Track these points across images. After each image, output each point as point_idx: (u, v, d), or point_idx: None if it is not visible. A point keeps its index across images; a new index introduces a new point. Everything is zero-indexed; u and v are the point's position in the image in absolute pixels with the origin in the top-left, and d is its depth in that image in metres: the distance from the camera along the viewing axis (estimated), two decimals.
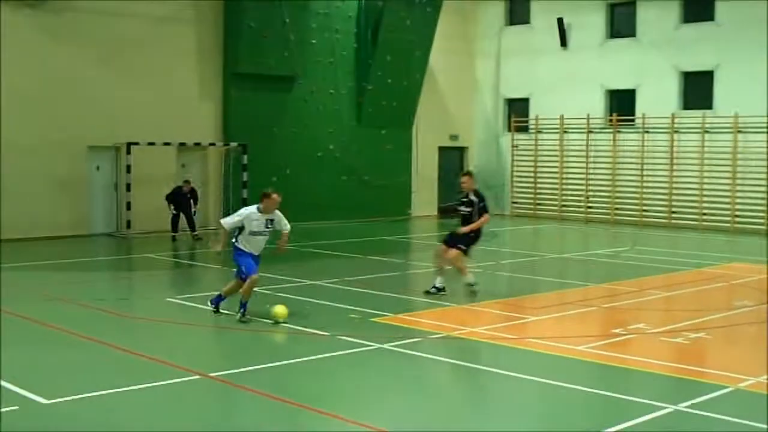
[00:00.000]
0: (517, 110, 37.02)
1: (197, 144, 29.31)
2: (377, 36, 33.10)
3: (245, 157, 29.32)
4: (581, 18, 34.85)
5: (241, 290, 14.56)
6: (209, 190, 29.94)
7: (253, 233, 14.51)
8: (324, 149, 32.46)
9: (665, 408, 9.92)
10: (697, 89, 32.38)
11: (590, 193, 34.70)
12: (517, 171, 36.99)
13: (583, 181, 35.02)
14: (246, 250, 14.57)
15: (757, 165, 30.76)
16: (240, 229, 14.54)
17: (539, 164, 36.30)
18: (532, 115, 36.49)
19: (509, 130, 37.09)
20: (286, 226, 15.00)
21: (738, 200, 31.27)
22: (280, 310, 14.33)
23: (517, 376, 11.36)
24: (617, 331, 14.19)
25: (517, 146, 36.95)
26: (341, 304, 16.06)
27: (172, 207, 26.39)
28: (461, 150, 38.07)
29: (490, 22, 37.72)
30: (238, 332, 13.93)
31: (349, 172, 32.90)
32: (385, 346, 12.73)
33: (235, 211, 15.47)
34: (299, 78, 31.54)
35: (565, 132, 35.44)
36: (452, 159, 37.55)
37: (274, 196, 14.57)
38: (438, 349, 13.07)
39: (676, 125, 32.47)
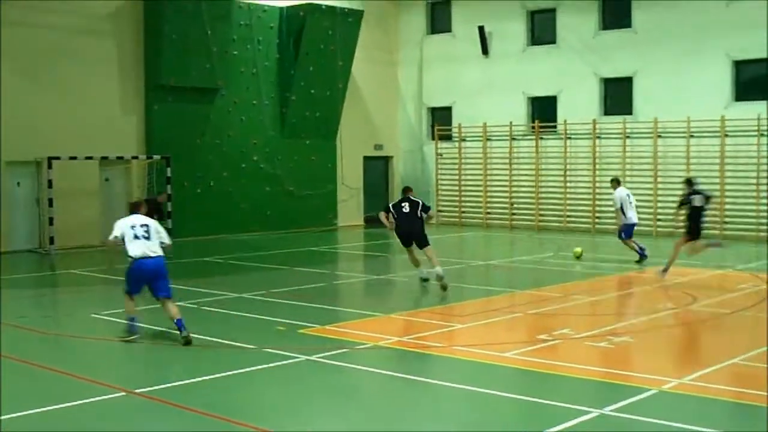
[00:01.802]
0: (441, 119, 37.21)
1: (120, 157, 29.00)
2: (299, 46, 33.06)
3: (168, 169, 29.05)
4: (502, 25, 35.13)
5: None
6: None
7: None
8: (248, 160, 32.33)
9: (591, 412, 10.00)
10: (617, 95, 32.84)
11: (514, 200, 34.97)
12: (442, 179, 37.16)
13: (507, 188, 35.28)
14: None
15: (677, 168, 31.23)
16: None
17: (463, 172, 36.50)
18: (455, 123, 36.69)
19: (433, 138, 37.26)
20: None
21: (659, 203, 31.70)
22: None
23: (445, 385, 11.38)
24: (543, 336, 14.29)
25: (441, 155, 37.12)
26: (267, 316, 15.98)
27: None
28: (386, 159, 38.14)
29: (411, 30, 37.87)
30: (163, 347, 13.80)
31: (273, 183, 32.79)
32: (313, 357, 12.69)
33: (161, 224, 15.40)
34: (222, 89, 31.38)
35: (489, 139, 35.69)
36: (377, 168, 37.61)
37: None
38: (366, 359, 13.05)
39: (597, 131, 32.88)
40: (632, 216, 23.71)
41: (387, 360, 12.97)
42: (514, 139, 35.02)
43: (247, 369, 12.12)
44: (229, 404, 10.62)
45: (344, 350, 13.31)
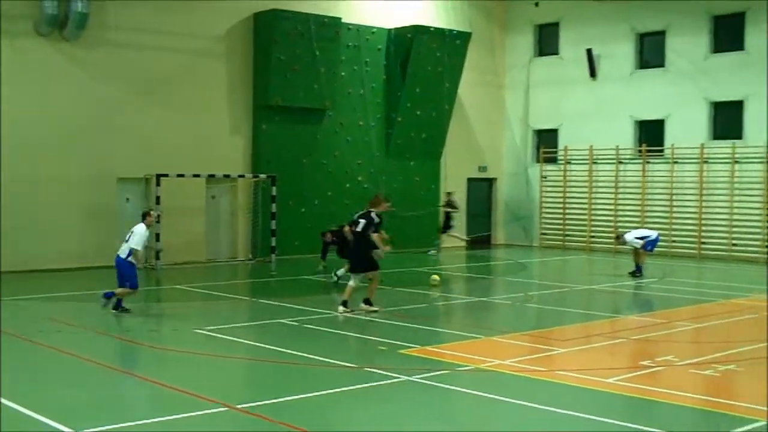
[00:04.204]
0: (546, 141, 37.02)
1: (226, 176, 29.48)
2: (406, 68, 33.23)
3: (274, 188, 29.42)
4: (610, 48, 34.85)
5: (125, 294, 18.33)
6: (238, 221, 30.11)
7: (146, 247, 18.59)
8: (353, 180, 32.54)
9: None
10: (727, 119, 32.29)
11: (619, 224, 34.56)
12: (546, 202, 36.95)
13: (612, 212, 34.92)
14: (138, 265, 18.39)
15: None
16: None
17: (568, 195, 36.25)
18: (560, 145, 36.47)
19: (538, 161, 37.09)
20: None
21: None
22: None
23: (545, 409, 11.30)
24: (646, 363, 14.12)
25: (545, 177, 36.93)
26: (369, 335, 16.08)
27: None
28: (490, 181, 38.08)
29: (519, 53, 37.80)
30: (265, 364, 13.98)
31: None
32: (413, 378, 12.72)
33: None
34: (329, 110, 31.69)
35: (594, 163, 35.39)
36: (481, 190, 37.57)
37: (153, 212, 19.42)
38: (466, 381, 13.01)
39: (705, 155, 32.37)
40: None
41: (487, 382, 12.92)
42: (620, 162, 34.66)
43: (348, 388, 12.21)
44: (327, 422, 10.73)
45: (445, 371, 13.32)
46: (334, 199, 31.79)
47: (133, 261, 18.21)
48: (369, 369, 13.27)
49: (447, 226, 32.43)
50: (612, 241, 32.78)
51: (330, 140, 31.99)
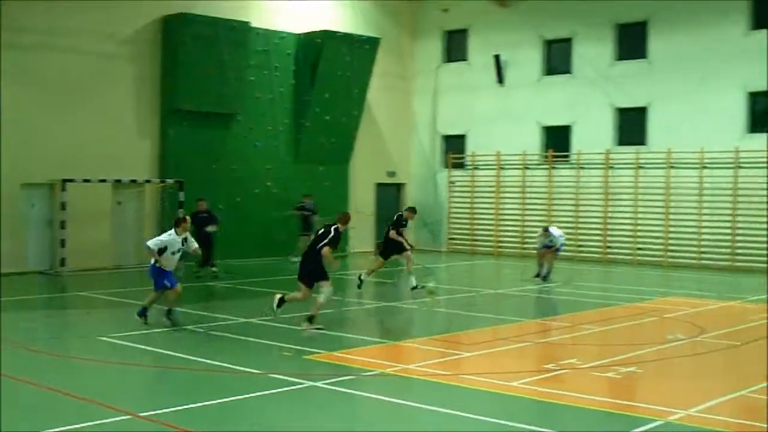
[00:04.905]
0: (454, 147, 37.28)
1: (133, 181, 29.13)
2: (315, 73, 33.19)
3: (181, 194, 29.15)
4: (518, 55, 35.24)
5: (171, 301, 17.52)
6: (145, 226, 29.73)
7: (174, 252, 17.54)
8: (261, 186, 32.39)
9: None
10: (631, 125, 32.85)
11: (526, 229, 34.93)
12: (454, 207, 37.20)
13: (520, 217, 35.28)
14: (165, 268, 17.40)
15: (689, 200, 31.23)
16: (162, 250, 17.33)
17: (476, 200, 36.54)
18: (468, 151, 36.76)
19: (446, 166, 37.32)
20: (194, 244, 18.21)
21: (671, 235, 31.68)
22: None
23: (449, 413, 11.35)
24: (550, 366, 14.29)
25: (453, 182, 37.18)
26: (274, 341, 16.00)
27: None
28: (398, 186, 38.19)
29: (427, 59, 38.01)
30: (169, 371, 13.85)
31: (286, 209, 32.77)
32: (318, 384, 12.69)
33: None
34: (238, 115, 31.52)
35: (502, 168, 35.73)
36: (390, 195, 37.66)
37: (187, 218, 18.59)
38: (371, 386, 13.04)
39: (610, 161, 32.89)
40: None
41: (392, 387, 12.94)
42: (527, 168, 35.06)
43: (253, 394, 12.12)
44: (232, 428, 10.64)
45: (350, 377, 13.31)
46: (243, 205, 31.62)
47: (160, 265, 17.45)
48: (274, 375, 13.19)
49: (305, 230, 30.15)
50: (519, 245, 33.18)
51: (239, 145, 31.82)
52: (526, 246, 34.65)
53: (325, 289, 17.39)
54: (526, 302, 22.66)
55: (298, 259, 30.12)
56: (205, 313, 19.14)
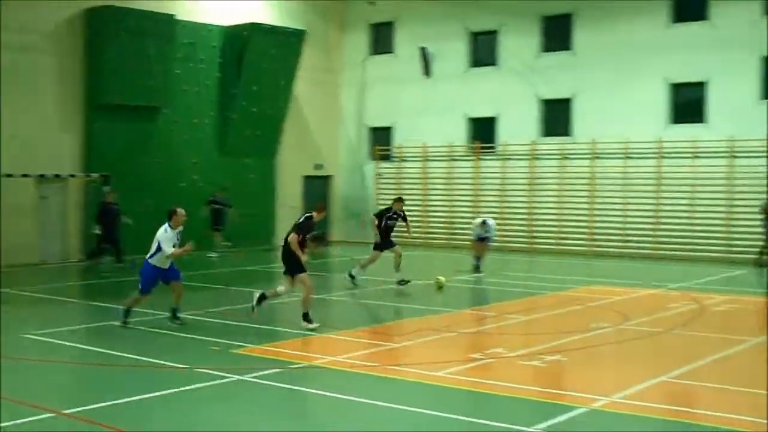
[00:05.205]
0: (381, 139, 37.36)
1: (57, 175, 28.76)
2: (242, 66, 33.04)
3: (107, 188, 28.82)
4: (444, 46, 35.38)
5: (177, 296, 16.88)
6: (69, 221, 29.38)
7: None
8: (188, 179, 32.17)
9: (522, 431, 10.09)
10: (556, 117, 33.20)
11: (454, 220, 35.14)
12: (381, 199, 37.23)
13: (447, 208, 35.47)
14: (161, 266, 16.45)
15: (613, 190, 31.66)
16: (158, 248, 16.29)
17: (403, 192, 36.57)
18: (395, 143, 36.87)
19: (373, 158, 37.39)
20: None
21: (596, 224, 32.08)
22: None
23: (375, 404, 11.39)
24: (476, 356, 14.42)
25: (380, 174, 37.25)
26: (202, 336, 15.91)
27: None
28: (326, 179, 38.17)
29: (354, 51, 38.04)
30: (93, 368, 13.71)
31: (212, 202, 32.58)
32: (245, 377, 12.67)
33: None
34: (164, 108, 31.26)
35: (428, 160, 35.89)
36: (317, 187, 37.62)
37: (180, 210, 16.69)
38: (299, 379, 13.05)
39: (536, 152, 33.20)
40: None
41: (320, 379, 12.96)
42: (453, 159, 35.25)
43: (179, 389, 12.05)
44: (157, 424, 10.59)
45: (278, 370, 13.30)
46: (169, 198, 31.18)
47: (155, 263, 16.58)
48: (200, 369, 13.13)
49: (217, 225, 30.86)
50: (447, 236, 33.40)
51: (165, 139, 31.59)
52: (454, 237, 34.84)
53: (305, 282, 16.72)
54: (454, 293, 22.76)
55: (216, 254, 30.29)
56: (134, 309, 18.92)
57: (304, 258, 16.68)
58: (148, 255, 16.61)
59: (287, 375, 13.16)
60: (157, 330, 16.59)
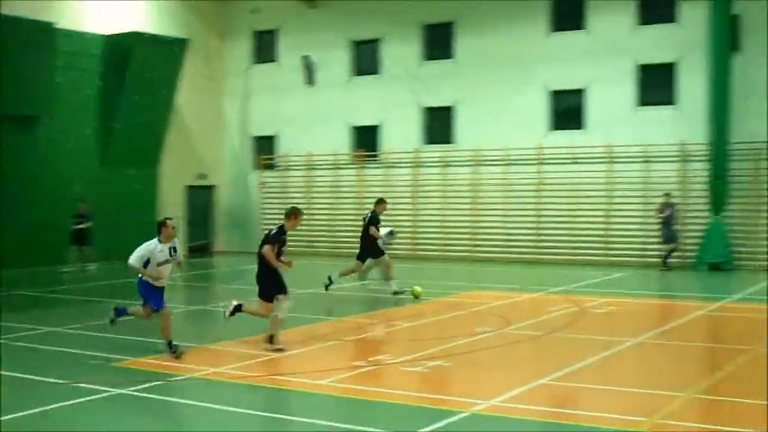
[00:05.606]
0: (265, 148, 37.25)
1: None
2: (124, 75, 32.58)
3: None
4: (327, 55, 35.45)
5: (161, 328, 15.15)
6: None
7: (160, 263, 15.05)
8: (69, 190, 31.50)
9: None
10: (438, 124, 33.52)
11: (338, 228, 35.18)
12: (265, 208, 37.12)
13: (331, 216, 35.50)
14: (155, 284, 15.15)
15: (495, 196, 32.10)
16: (146, 263, 14.96)
17: (287, 201, 36.47)
18: (279, 152, 36.78)
19: (257, 167, 37.24)
20: (180, 254, 15.65)
21: (478, 230, 32.46)
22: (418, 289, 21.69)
23: (260, 414, 11.38)
24: (359, 363, 14.46)
25: (264, 183, 37.11)
26: (80, 350, 15.63)
27: None
28: (210, 189, 37.87)
29: (237, 60, 37.89)
30: None
31: (94, 213, 32.01)
32: (125, 390, 12.48)
33: None
34: (44, 118, 30.61)
35: (313, 168, 35.89)
36: (201, 197, 37.32)
37: (169, 222, 15.35)
38: (180, 391, 12.91)
39: (419, 159, 33.45)
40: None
41: (202, 391, 12.83)
42: (338, 168, 35.32)
43: (57, 405, 11.81)
44: None
45: (159, 382, 13.14)
46: (51, 210, 30.69)
47: (146, 279, 15.25)
48: (80, 384, 12.90)
49: (79, 240, 29.57)
50: (332, 244, 33.44)
51: (46, 149, 30.92)
52: (337, 246, 34.85)
53: (282, 304, 15.80)
54: (340, 300, 22.79)
55: (69, 268, 29.54)
56: (9, 324, 18.49)
57: (285, 268, 15.99)
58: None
59: (168, 387, 13.00)
60: (36, 345, 16.24)
